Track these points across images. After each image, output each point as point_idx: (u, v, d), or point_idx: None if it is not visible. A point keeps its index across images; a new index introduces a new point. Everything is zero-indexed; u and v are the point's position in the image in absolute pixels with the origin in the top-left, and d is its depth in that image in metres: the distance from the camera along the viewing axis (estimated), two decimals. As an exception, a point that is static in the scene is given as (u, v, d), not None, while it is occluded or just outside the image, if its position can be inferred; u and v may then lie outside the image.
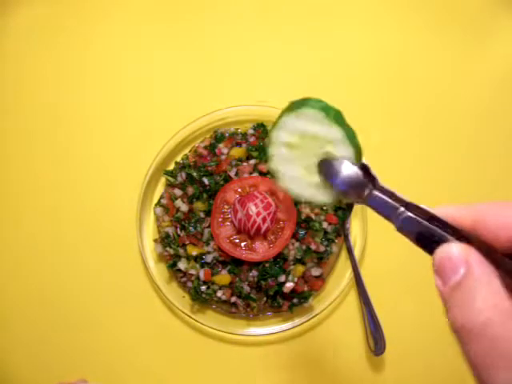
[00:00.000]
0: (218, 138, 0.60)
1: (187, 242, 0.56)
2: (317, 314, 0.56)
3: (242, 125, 0.61)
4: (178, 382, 0.57)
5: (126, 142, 0.63)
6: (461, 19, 0.67)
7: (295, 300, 0.56)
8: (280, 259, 0.56)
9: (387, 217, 0.27)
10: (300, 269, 0.55)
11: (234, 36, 0.66)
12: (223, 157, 0.58)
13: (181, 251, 0.56)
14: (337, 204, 0.49)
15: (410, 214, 0.26)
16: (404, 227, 0.26)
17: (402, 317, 0.57)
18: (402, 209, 0.26)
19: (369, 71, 0.65)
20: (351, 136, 0.29)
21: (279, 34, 0.67)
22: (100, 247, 0.59)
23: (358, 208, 0.58)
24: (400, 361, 0.56)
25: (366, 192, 0.28)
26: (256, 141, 0.59)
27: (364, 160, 0.29)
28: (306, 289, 0.56)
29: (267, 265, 0.55)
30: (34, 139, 0.63)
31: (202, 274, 0.55)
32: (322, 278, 0.57)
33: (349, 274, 0.57)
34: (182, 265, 0.56)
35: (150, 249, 0.59)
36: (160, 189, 0.61)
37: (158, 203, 0.59)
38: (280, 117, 0.32)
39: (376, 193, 0.28)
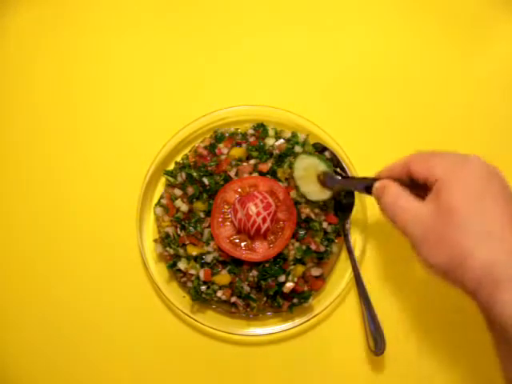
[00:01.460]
0: (218, 137, 0.60)
1: (187, 242, 0.56)
2: (317, 314, 0.56)
3: (242, 125, 0.61)
4: (178, 381, 0.57)
5: (126, 141, 0.63)
6: (460, 20, 0.67)
7: (295, 300, 0.56)
8: (280, 259, 0.56)
9: (350, 188, 0.52)
10: (300, 269, 0.55)
11: (235, 36, 0.66)
12: (223, 157, 0.58)
13: (181, 251, 0.56)
14: (331, 198, 0.56)
15: (359, 181, 0.50)
16: (357, 188, 0.51)
17: (402, 317, 0.57)
18: (356, 181, 0.50)
19: (369, 72, 0.65)
20: (323, 159, 0.55)
21: (279, 34, 0.67)
22: (100, 247, 0.59)
23: (358, 208, 0.58)
24: (400, 361, 0.56)
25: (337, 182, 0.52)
26: (256, 141, 0.59)
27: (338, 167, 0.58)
28: (305, 289, 0.56)
29: (267, 265, 0.55)
30: (33, 139, 0.63)
31: (201, 274, 0.55)
32: (322, 278, 0.57)
33: (349, 274, 0.57)
34: (182, 265, 0.56)
35: (150, 249, 0.59)
36: (160, 189, 0.61)
37: (158, 203, 0.59)
38: (295, 160, 0.56)
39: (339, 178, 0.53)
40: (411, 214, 0.41)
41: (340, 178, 0.52)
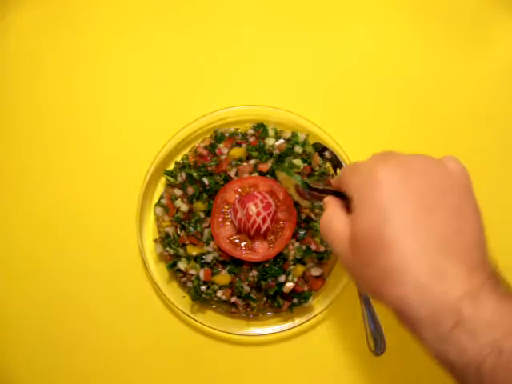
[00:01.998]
0: (218, 138, 0.60)
1: (187, 242, 0.56)
2: (317, 314, 0.56)
3: (242, 125, 0.61)
4: (178, 381, 0.57)
5: (126, 142, 0.63)
6: (461, 20, 0.67)
7: (295, 300, 0.56)
8: (280, 259, 0.56)
9: (318, 200, 0.46)
10: (300, 269, 0.55)
11: (235, 36, 0.66)
12: (223, 157, 0.58)
13: (181, 251, 0.56)
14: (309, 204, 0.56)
15: (319, 191, 0.45)
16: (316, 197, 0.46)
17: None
18: (317, 192, 0.46)
19: (369, 72, 0.65)
20: (292, 174, 0.51)
21: (280, 34, 0.66)
22: (100, 247, 0.59)
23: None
24: (400, 361, 0.56)
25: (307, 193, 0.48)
26: (256, 141, 0.59)
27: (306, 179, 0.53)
28: (305, 289, 0.56)
29: (267, 265, 0.55)
30: (34, 139, 0.63)
31: (201, 274, 0.55)
32: (322, 278, 0.57)
33: (349, 274, 0.57)
34: (182, 265, 0.56)
35: (150, 249, 0.59)
36: (160, 189, 0.61)
37: (158, 203, 0.59)
38: (279, 173, 0.56)
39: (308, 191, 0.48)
40: (338, 239, 0.37)
41: (309, 189, 0.48)
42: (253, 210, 0.53)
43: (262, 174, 0.58)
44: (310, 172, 0.58)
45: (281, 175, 0.56)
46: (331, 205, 0.40)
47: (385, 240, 0.32)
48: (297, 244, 0.56)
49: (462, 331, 0.30)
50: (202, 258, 0.56)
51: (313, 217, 0.56)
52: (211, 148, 0.59)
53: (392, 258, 0.32)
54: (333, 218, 0.38)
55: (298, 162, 0.58)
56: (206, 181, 0.57)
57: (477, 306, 0.30)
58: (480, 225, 0.34)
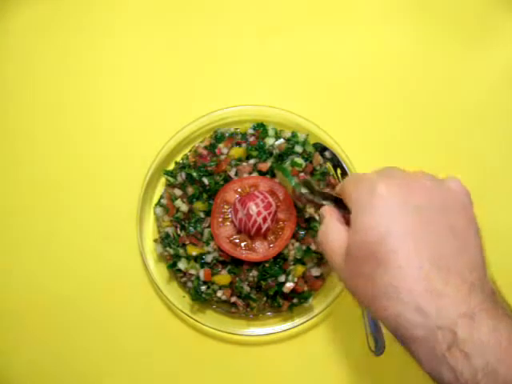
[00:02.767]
0: (218, 138, 0.60)
1: (187, 242, 0.56)
2: (317, 314, 0.56)
3: (242, 125, 0.61)
4: (178, 381, 0.57)
5: (126, 142, 0.63)
6: (463, 20, 0.67)
7: (295, 300, 0.56)
8: (280, 259, 0.56)
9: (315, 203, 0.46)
10: (300, 269, 0.55)
11: (235, 36, 0.66)
12: (223, 157, 0.58)
13: (181, 251, 0.56)
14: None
15: (315, 196, 0.46)
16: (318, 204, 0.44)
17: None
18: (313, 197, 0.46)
19: (369, 72, 0.65)
20: (288, 174, 0.54)
21: (280, 34, 0.66)
22: (100, 247, 0.59)
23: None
24: (400, 361, 0.56)
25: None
26: (256, 140, 0.59)
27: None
28: (305, 289, 0.56)
29: (267, 265, 0.55)
30: (33, 139, 0.63)
31: (201, 274, 0.55)
32: (322, 278, 0.57)
33: (349, 273, 0.57)
34: (182, 265, 0.56)
35: (150, 249, 0.59)
36: (160, 189, 0.60)
37: (158, 203, 0.59)
38: (277, 171, 0.57)
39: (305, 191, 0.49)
40: (334, 252, 0.37)
41: (306, 191, 0.48)
42: (253, 209, 0.53)
43: (261, 173, 0.58)
44: (311, 171, 0.58)
45: (278, 174, 0.56)
46: (328, 216, 0.40)
47: (382, 256, 0.32)
48: (297, 244, 0.56)
49: (457, 353, 0.29)
50: (202, 258, 0.56)
51: (316, 217, 0.56)
52: (211, 148, 0.59)
53: (388, 274, 0.32)
54: (329, 230, 0.38)
55: (299, 160, 0.58)
56: (205, 181, 0.57)
57: (473, 328, 0.29)
58: (479, 244, 0.34)
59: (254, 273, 0.55)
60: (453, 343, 0.29)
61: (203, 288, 0.56)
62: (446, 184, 0.36)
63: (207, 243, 0.56)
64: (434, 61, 0.66)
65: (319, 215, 0.42)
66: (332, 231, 0.38)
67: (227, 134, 0.60)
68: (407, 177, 0.36)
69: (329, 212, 0.41)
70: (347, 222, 0.38)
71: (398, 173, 0.37)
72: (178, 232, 0.57)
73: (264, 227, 0.54)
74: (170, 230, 0.57)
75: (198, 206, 0.57)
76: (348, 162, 0.59)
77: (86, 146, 0.63)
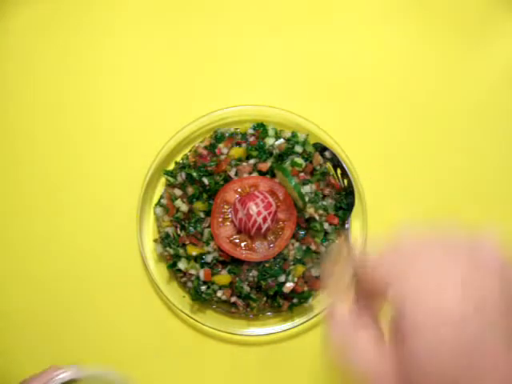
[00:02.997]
0: (218, 138, 0.60)
1: (187, 242, 0.56)
2: (317, 314, 0.56)
3: (242, 125, 0.61)
4: (178, 381, 0.57)
5: (126, 142, 0.63)
6: (460, 21, 0.67)
7: (295, 300, 0.56)
8: (280, 259, 0.56)
9: None
10: (300, 269, 0.55)
11: (235, 36, 0.66)
12: (223, 157, 0.58)
13: (181, 251, 0.56)
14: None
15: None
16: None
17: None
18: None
19: (369, 72, 0.65)
20: (288, 174, 0.54)
21: (280, 34, 0.66)
22: (100, 247, 0.59)
23: (358, 208, 0.58)
24: (400, 361, 0.56)
25: None
26: (256, 140, 0.59)
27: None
28: (305, 289, 0.56)
29: (267, 265, 0.55)
30: (34, 139, 0.63)
31: (201, 274, 0.55)
32: (322, 278, 0.57)
33: (349, 273, 0.57)
34: (182, 265, 0.56)
35: (150, 249, 0.59)
36: (160, 189, 0.60)
37: (158, 203, 0.59)
38: (277, 171, 0.57)
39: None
40: (371, 366, 0.28)
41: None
42: (253, 209, 0.53)
43: (261, 173, 0.58)
44: (311, 171, 0.58)
45: (278, 174, 0.56)
46: (341, 321, 0.30)
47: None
48: (297, 244, 0.56)
49: None
50: (202, 258, 0.56)
51: (316, 217, 0.56)
52: (211, 148, 0.59)
53: None
54: (353, 345, 0.29)
55: (299, 160, 0.58)
56: (205, 181, 0.57)
57: None
58: None
59: (254, 273, 0.55)
60: None
61: (203, 288, 0.56)
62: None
63: (207, 243, 0.56)
64: (434, 61, 0.66)
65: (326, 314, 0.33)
66: (356, 346, 0.29)
67: (227, 134, 0.60)
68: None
69: (339, 313, 0.31)
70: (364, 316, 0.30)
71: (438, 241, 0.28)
72: (178, 232, 0.57)
73: (264, 227, 0.54)
74: (170, 230, 0.57)
75: (198, 205, 0.57)
76: (348, 162, 0.59)
77: (86, 146, 0.63)
